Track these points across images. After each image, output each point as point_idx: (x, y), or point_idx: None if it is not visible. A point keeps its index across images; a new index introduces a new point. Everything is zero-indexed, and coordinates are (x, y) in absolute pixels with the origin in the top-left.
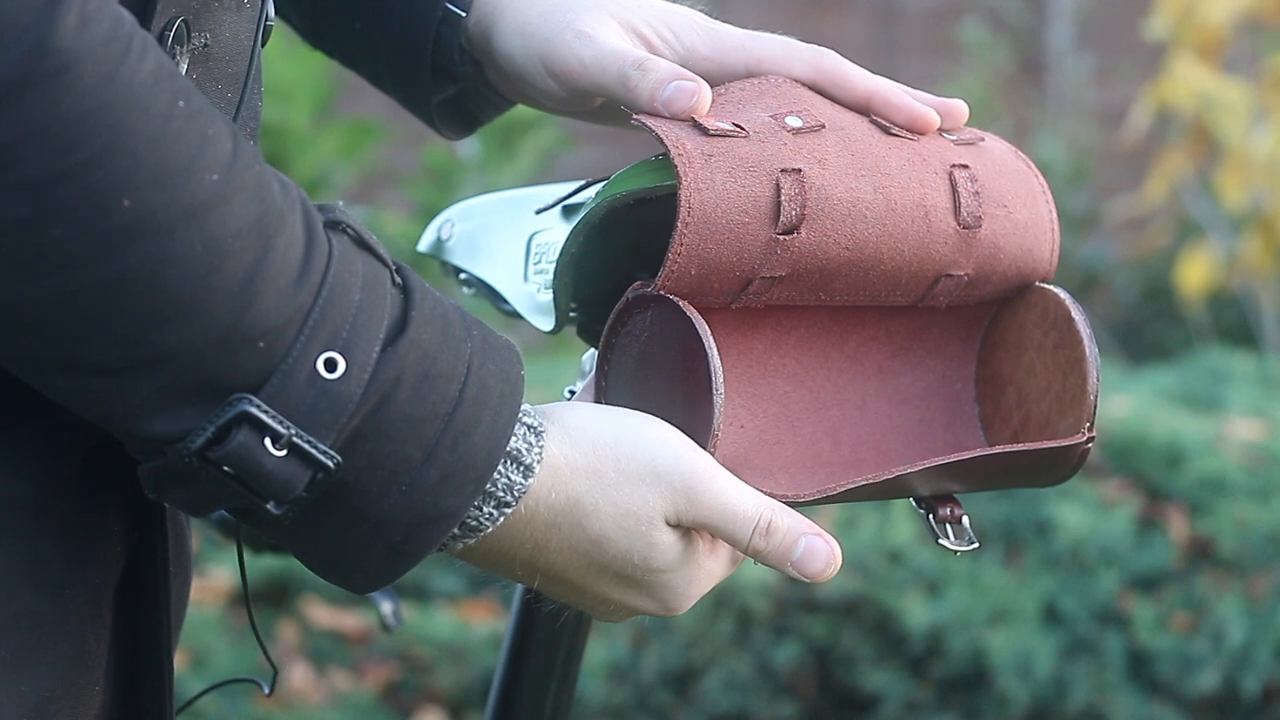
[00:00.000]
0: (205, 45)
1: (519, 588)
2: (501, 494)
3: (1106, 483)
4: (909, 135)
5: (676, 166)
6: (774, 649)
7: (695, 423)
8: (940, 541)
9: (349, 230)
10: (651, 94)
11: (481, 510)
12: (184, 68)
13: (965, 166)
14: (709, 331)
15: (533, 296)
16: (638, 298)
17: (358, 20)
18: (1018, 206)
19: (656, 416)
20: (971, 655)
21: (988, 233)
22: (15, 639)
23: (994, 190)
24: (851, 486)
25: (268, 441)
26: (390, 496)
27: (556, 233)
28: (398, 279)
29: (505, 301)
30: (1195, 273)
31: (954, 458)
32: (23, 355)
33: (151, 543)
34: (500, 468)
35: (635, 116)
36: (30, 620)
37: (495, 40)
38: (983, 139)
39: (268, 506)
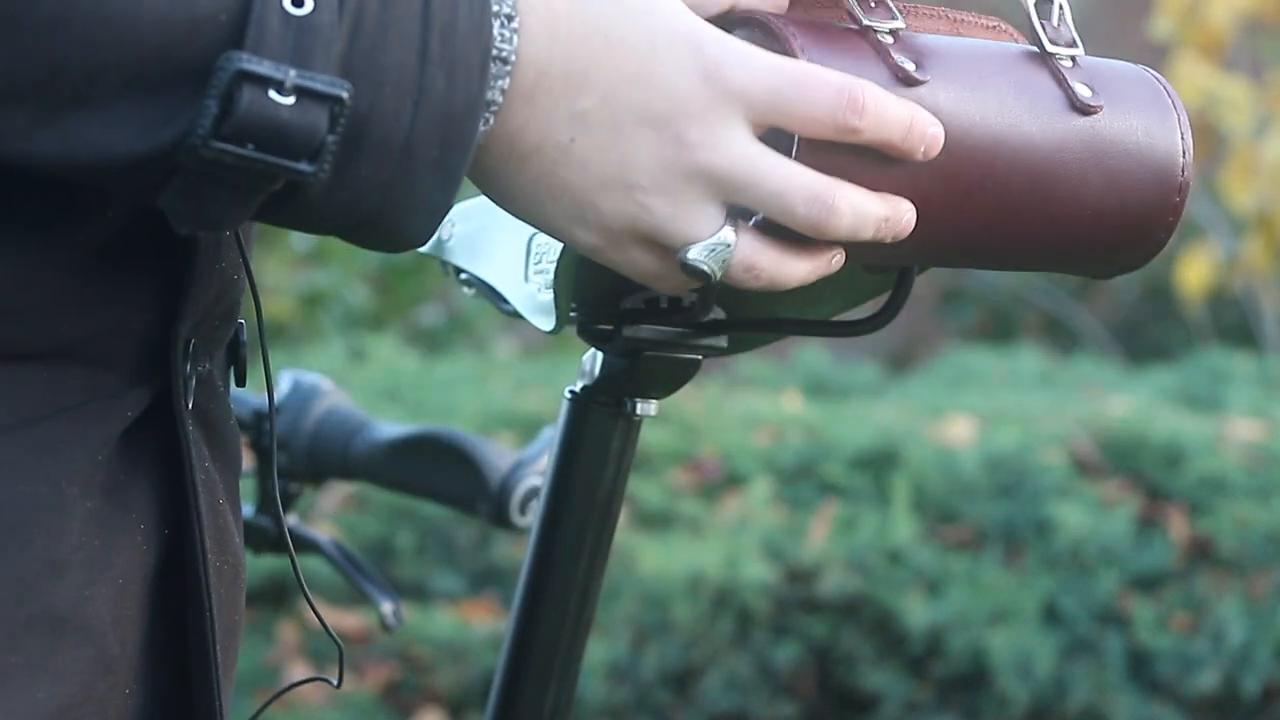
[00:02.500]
0: None
1: (520, 588)
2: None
3: (1106, 483)
4: None
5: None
6: (774, 649)
7: None
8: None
9: None
10: None
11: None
12: None
13: None
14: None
15: (533, 296)
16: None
17: None
18: None
19: None
20: (971, 655)
21: None
22: (29, 643)
23: None
24: None
25: (273, 93)
26: (406, 110)
27: None
28: None
29: (506, 301)
30: (1195, 273)
31: None
32: (10, 132)
33: (185, 539)
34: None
35: None
36: (46, 624)
37: None
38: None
39: (301, 167)
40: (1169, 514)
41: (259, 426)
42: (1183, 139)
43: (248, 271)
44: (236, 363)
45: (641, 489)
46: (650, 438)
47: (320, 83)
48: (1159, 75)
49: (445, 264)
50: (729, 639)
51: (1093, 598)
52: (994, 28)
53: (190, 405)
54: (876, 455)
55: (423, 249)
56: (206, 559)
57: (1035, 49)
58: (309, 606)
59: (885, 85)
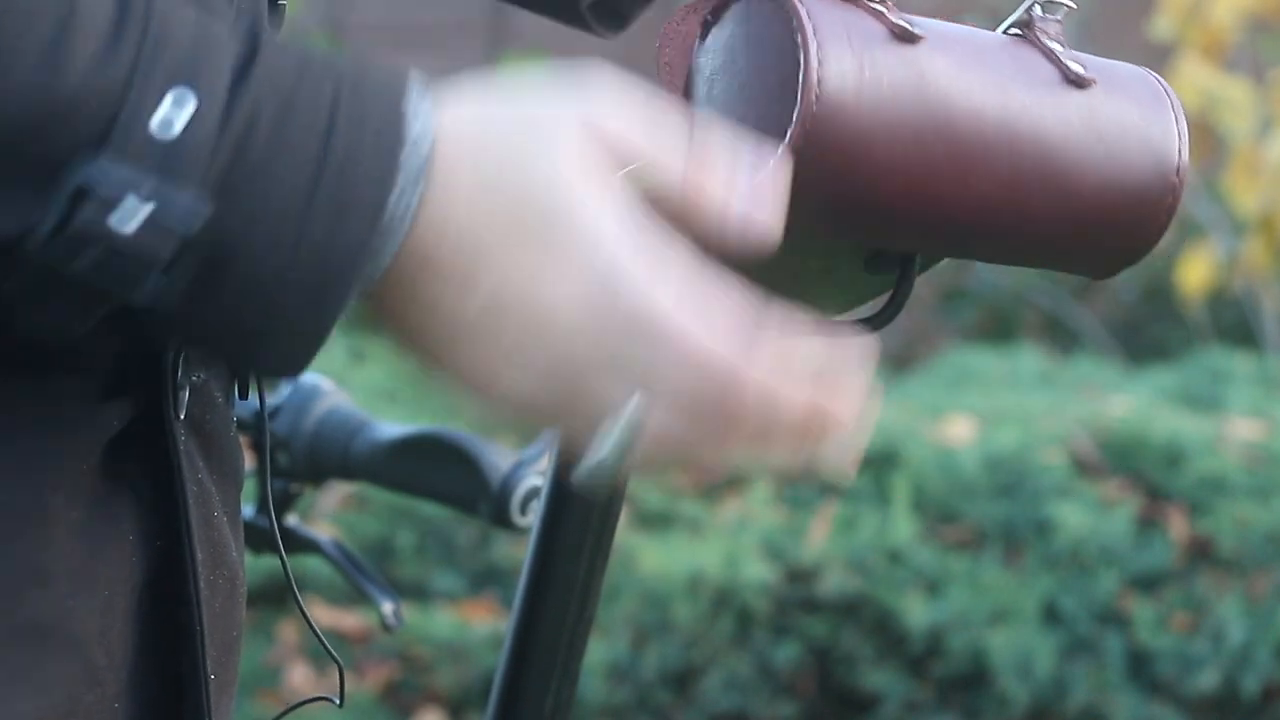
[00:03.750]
0: None
1: (520, 588)
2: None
3: (1106, 483)
4: None
5: None
6: (774, 649)
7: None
8: None
9: None
10: None
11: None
12: None
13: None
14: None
15: None
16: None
17: None
18: None
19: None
20: (971, 655)
21: None
22: (10, 654)
23: None
24: None
25: (125, 206)
26: (283, 247)
27: None
28: (244, 22)
29: None
30: (1195, 273)
31: None
32: None
33: (176, 552)
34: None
35: None
36: (28, 634)
37: None
38: None
39: (132, 295)
40: (1169, 514)
41: (259, 428)
42: (1177, 122)
43: None
44: (240, 373)
45: (641, 489)
46: None
47: (173, 210)
48: (1149, 70)
49: None
50: (729, 639)
51: (1093, 598)
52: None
53: (182, 415)
54: (876, 455)
55: None
56: (198, 573)
57: (1025, 36)
58: (307, 622)
59: (882, 42)
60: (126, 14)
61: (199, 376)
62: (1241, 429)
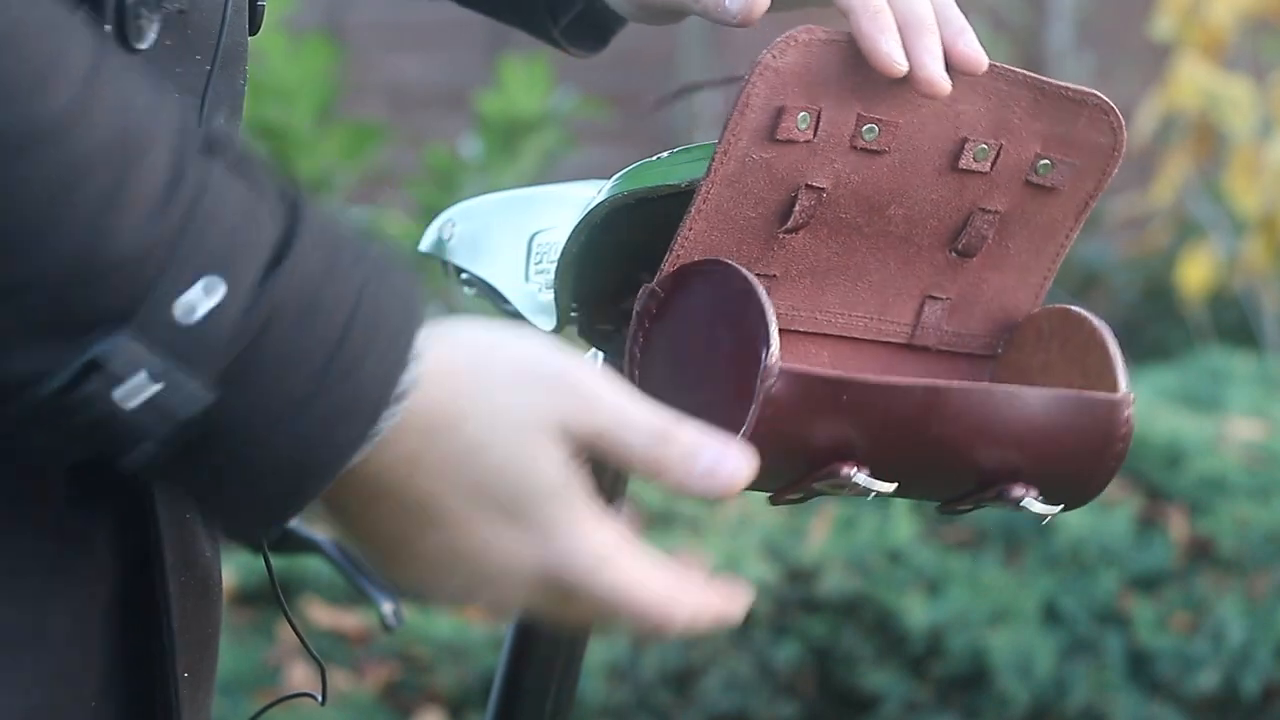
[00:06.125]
0: (181, 11)
1: None
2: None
3: None
4: (976, 168)
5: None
6: (774, 649)
7: (742, 384)
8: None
9: (227, 151)
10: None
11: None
12: (153, 32)
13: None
14: (758, 285)
15: (534, 296)
16: (657, 286)
17: None
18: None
19: (700, 392)
20: (971, 655)
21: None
22: None
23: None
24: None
25: (132, 383)
26: (275, 438)
27: (558, 232)
28: (285, 200)
29: (506, 301)
30: (1195, 273)
31: (999, 387)
32: None
33: (146, 553)
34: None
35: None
36: (1, 636)
37: None
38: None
39: (133, 453)
40: (1169, 514)
41: None
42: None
43: None
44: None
45: (642, 489)
46: None
47: (185, 391)
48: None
49: (445, 264)
50: (729, 639)
51: (1093, 598)
52: None
53: None
54: None
55: (423, 248)
56: (167, 576)
57: None
58: (291, 625)
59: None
60: (178, 182)
61: None
62: (1241, 429)
